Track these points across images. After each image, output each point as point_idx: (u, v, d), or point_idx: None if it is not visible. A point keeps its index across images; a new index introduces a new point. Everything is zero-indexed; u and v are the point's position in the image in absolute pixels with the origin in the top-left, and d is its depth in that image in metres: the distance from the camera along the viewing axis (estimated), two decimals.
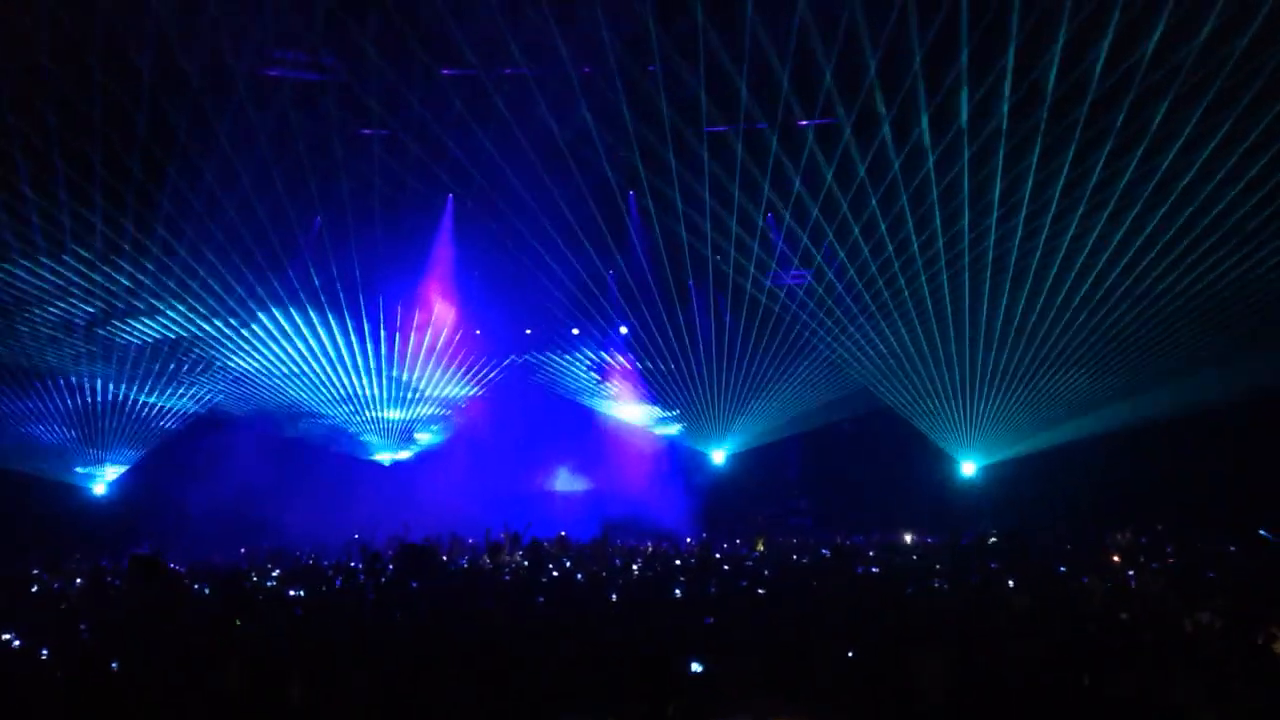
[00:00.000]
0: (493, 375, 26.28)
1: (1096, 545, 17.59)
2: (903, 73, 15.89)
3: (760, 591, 12.37)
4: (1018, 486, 23.55)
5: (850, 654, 8.13)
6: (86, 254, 18.66)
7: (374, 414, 26.04)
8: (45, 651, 9.05)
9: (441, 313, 23.55)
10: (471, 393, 26.63)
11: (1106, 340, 20.58)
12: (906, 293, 20.54)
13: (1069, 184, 16.95)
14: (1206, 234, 17.30)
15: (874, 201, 18.41)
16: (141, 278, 19.57)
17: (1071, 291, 19.43)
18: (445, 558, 17.97)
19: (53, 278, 19.22)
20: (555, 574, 14.61)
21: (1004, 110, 15.80)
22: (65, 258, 18.69)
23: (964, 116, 16.14)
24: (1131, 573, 13.39)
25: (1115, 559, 15.63)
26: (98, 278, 19.45)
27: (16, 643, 9.31)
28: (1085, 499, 22.02)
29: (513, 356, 26.03)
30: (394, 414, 26.34)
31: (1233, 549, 16.86)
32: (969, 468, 24.76)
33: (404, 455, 28.53)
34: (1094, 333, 20.42)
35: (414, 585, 13.40)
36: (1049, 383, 22.16)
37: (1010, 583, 12.60)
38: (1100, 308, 19.69)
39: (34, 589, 14.70)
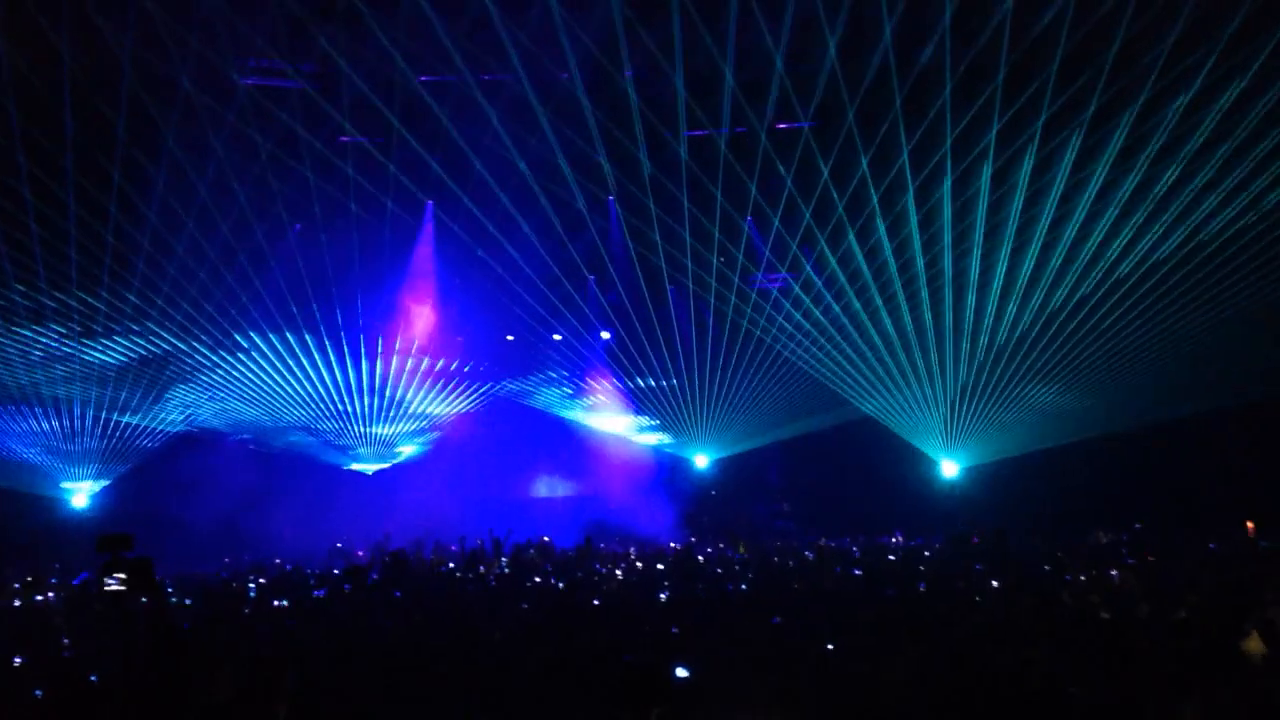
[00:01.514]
0: (476, 394, 26.29)
1: (1078, 545, 17.73)
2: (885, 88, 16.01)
3: (743, 592, 12.42)
4: (999, 489, 23.66)
5: (831, 656, 8.17)
6: (66, 275, 18.52)
7: (356, 427, 25.97)
8: (23, 665, 9.01)
9: (422, 321, 23.49)
10: (454, 409, 26.60)
11: (1089, 348, 20.73)
12: (880, 303, 20.68)
13: (1062, 197, 17.13)
14: (1204, 246, 17.53)
15: (840, 207, 18.52)
16: (127, 295, 19.49)
17: (1047, 298, 19.62)
18: (428, 565, 17.97)
19: (24, 301, 19.11)
20: (537, 580, 14.62)
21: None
22: (39, 283, 18.56)
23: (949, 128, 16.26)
24: (1114, 572, 13.50)
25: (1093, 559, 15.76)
26: (73, 302, 19.39)
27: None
28: (1067, 500, 22.17)
29: (495, 383, 26.09)
30: (377, 428, 26.27)
31: (1212, 547, 17.04)
32: (950, 469, 24.86)
33: (386, 465, 28.46)
34: (1075, 341, 20.59)
35: (397, 593, 13.37)
36: (1030, 390, 22.32)
37: (994, 583, 12.69)
38: (1084, 315, 19.86)
39: (15, 603, 14.62)
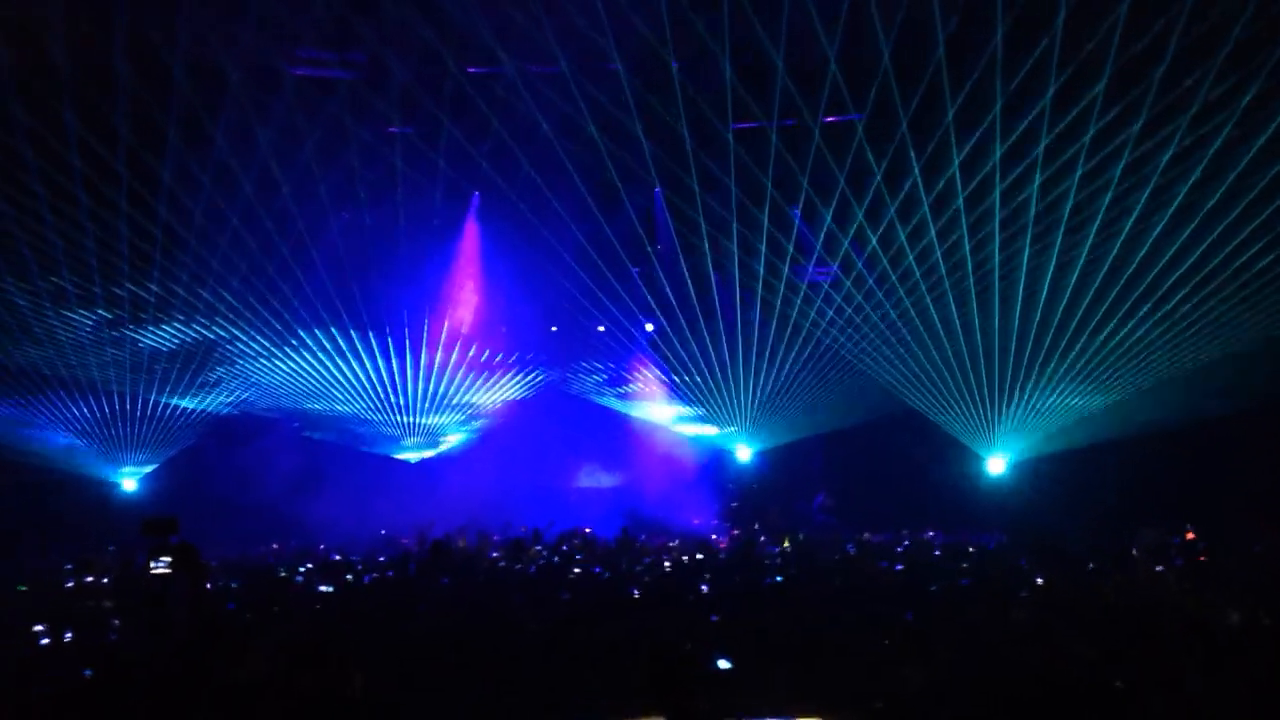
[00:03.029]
0: (522, 382, 26.42)
1: (1126, 543, 17.46)
2: (928, 73, 15.86)
3: (782, 586, 12.38)
4: (1047, 484, 23.35)
5: (872, 650, 8.13)
6: (114, 263, 18.84)
7: (401, 416, 26.21)
8: (74, 645, 9.17)
9: (467, 310, 23.63)
10: (498, 396, 26.74)
11: (1147, 337, 20.41)
12: (928, 298, 20.52)
13: (1119, 195, 16.91)
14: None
15: (891, 205, 18.41)
16: (174, 286, 19.82)
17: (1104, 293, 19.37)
18: (472, 553, 18.07)
19: (75, 289, 19.46)
20: (579, 570, 14.65)
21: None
22: (92, 264, 18.88)
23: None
24: (1160, 569, 13.31)
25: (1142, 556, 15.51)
26: (120, 292, 19.73)
27: (45, 639, 9.42)
28: (1117, 497, 21.82)
29: (541, 372, 26.21)
30: (422, 418, 26.50)
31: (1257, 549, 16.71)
32: (997, 465, 24.59)
33: (430, 454, 28.68)
34: (1132, 335, 20.31)
35: (443, 581, 13.48)
36: (1082, 382, 22.03)
37: (1039, 580, 12.56)
38: (1143, 310, 19.58)
39: (68, 584, 14.89)
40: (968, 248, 18.78)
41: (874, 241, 19.35)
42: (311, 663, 6.80)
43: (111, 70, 15.34)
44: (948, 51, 15.28)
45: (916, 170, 17.40)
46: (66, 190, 16.81)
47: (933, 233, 18.62)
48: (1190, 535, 17.62)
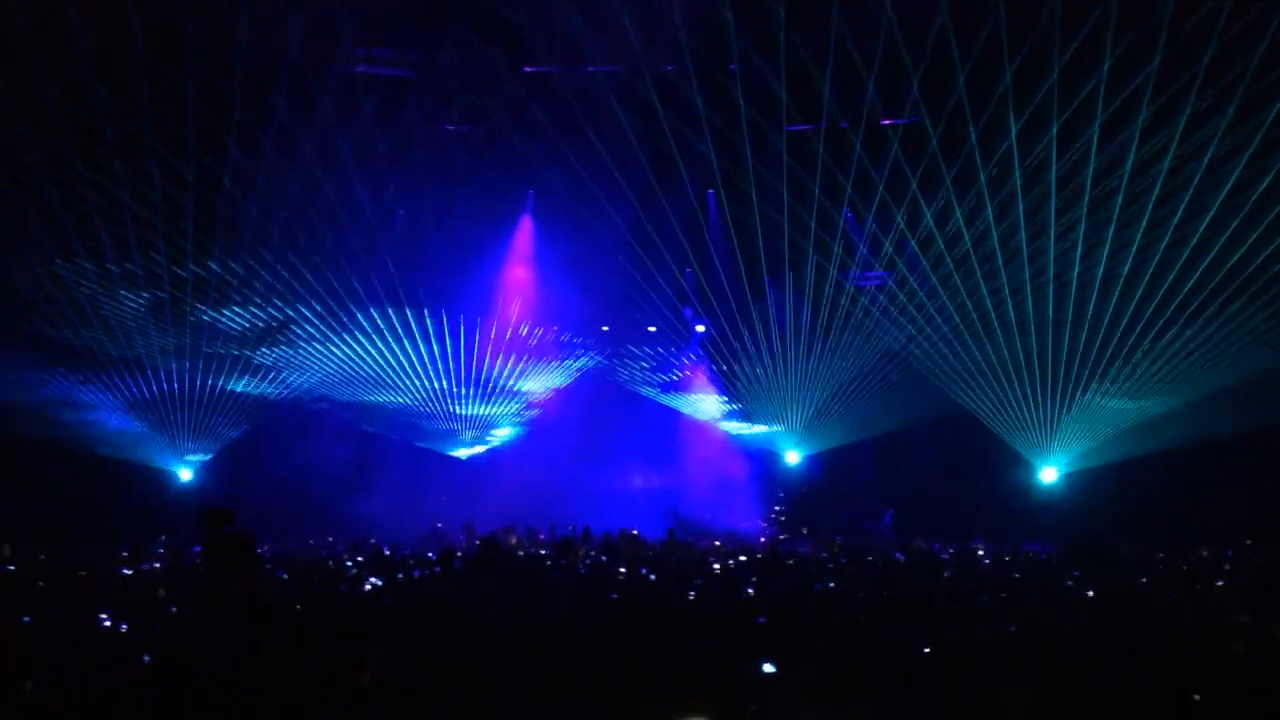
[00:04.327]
0: (571, 371, 26.52)
1: (1179, 557, 17.18)
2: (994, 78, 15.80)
3: (831, 593, 12.31)
4: (1100, 495, 23.00)
5: (920, 660, 8.06)
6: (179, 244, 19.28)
7: (452, 409, 26.42)
8: (132, 632, 9.31)
9: (519, 309, 23.82)
10: (549, 386, 26.85)
11: (1210, 340, 20.07)
12: (988, 297, 20.33)
13: (1164, 196, 16.71)
14: None
15: (957, 206, 18.28)
16: (234, 265, 20.20)
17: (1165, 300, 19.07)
18: (520, 550, 18.15)
19: (137, 269, 19.87)
20: (625, 571, 14.65)
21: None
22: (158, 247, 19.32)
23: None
24: (1221, 583, 13.08)
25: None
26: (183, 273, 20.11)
27: (108, 622, 9.57)
28: (1171, 510, 21.42)
29: (589, 355, 26.27)
30: (472, 409, 26.69)
31: None
32: (1050, 474, 24.27)
33: (479, 450, 28.84)
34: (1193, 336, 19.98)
35: (489, 578, 13.54)
36: (1137, 392, 21.69)
37: (1090, 593, 12.39)
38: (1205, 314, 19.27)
39: (125, 571, 15.12)
40: (1023, 240, 18.60)
41: (938, 239, 19.22)
42: (322, 649, 6.88)
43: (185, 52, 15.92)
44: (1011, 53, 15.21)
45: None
46: (142, 168, 17.37)
47: (994, 230, 18.49)
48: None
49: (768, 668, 7.66)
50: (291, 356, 24.03)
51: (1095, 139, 16.33)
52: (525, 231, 22.31)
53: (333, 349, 23.65)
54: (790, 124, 18.27)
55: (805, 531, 23.39)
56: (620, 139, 18.73)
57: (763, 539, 21.72)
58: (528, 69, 18.87)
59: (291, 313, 22.05)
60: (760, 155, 18.61)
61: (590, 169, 19.19)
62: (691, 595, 12.04)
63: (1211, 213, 17.04)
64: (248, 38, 16.13)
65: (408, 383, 25.14)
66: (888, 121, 17.89)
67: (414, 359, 24.31)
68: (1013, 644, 8.49)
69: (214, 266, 20.22)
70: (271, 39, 16.75)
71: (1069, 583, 13.46)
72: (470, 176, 19.71)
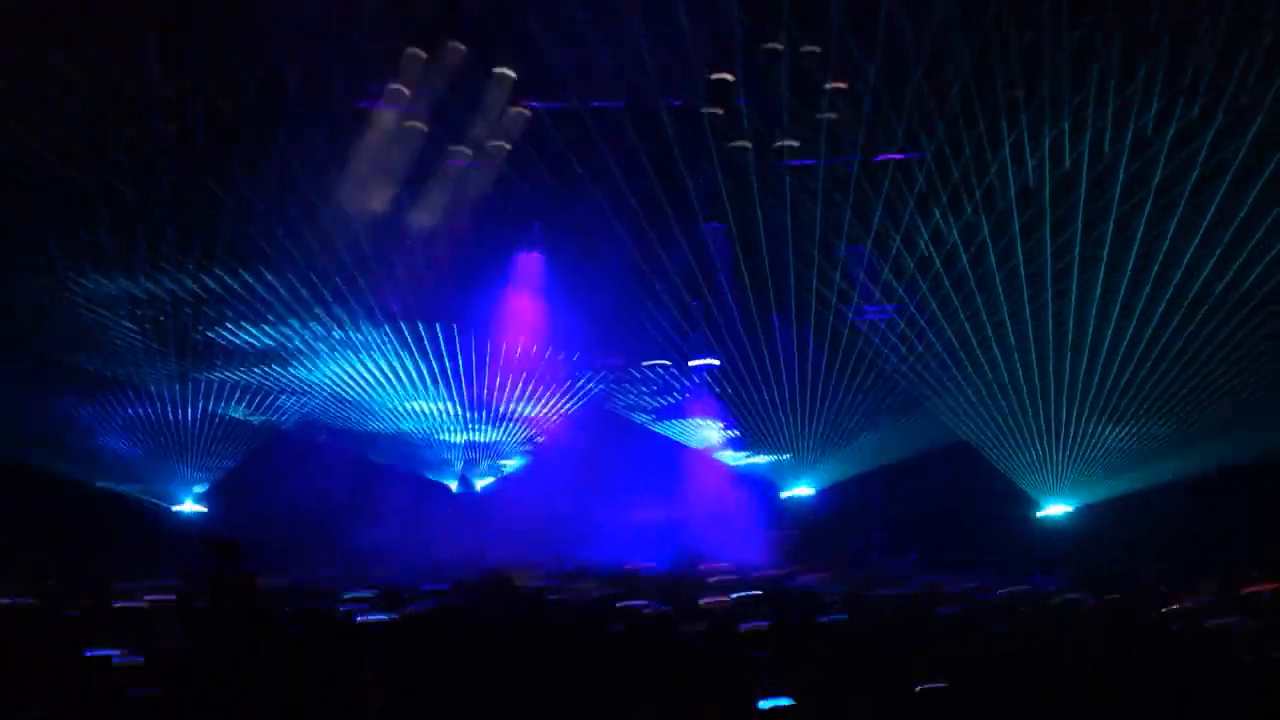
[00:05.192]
0: (575, 399, 26.50)
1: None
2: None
3: (837, 625, 12.23)
4: (1108, 529, 22.80)
5: (934, 690, 7.98)
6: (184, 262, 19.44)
7: (455, 439, 26.42)
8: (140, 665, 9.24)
9: (525, 340, 23.89)
10: (555, 412, 26.82)
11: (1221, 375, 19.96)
12: (988, 324, 20.32)
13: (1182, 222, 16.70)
14: None
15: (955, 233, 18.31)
16: (232, 283, 20.32)
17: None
18: (522, 583, 18.03)
19: (136, 289, 19.98)
20: (630, 603, 14.54)
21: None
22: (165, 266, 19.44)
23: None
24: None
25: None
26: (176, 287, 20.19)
27: (115, 658, 9.49)
28: (1179, 544, 21.20)
29: (594, 383, 26.25)
30: (476, 437, 26.69)
31: None
32: (1056, 509, 24.07)
33: (484, 481, 28.71)
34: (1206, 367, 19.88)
35: (492, 607, 13.46)
36: (1147, 423, 21.55)
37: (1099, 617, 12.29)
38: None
39: (124, 604, 15.01)
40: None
41: (938, 263, 19.24)
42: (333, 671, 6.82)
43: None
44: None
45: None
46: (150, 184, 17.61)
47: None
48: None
49: (780, 701, 7.63)
50: (293, 378, 24.03)
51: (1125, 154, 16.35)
52: (530, 262, 22.45)
53: (336, 370, 23.68)
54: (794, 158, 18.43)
55: (814, 564, 23.19)
56: (626, 172, 18.89)
57: (768, 572, 21.55)
58: (532, 103, 19.04)
59: (294, 329, 22.13)
60: (765, 187, 18.71)
61: (596, 202, 19.33)
62: (694, 627, 11.96)
63: (1230, 232, 16.97)
64: (259, 67, 16.40)
65: (411, 412, 25.14)
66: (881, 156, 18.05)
67: (416, 388, 24.35)
68: (1024, 667, 8.42)
69: (225, 279, 20.35)
70: (280, 71, 17.03)
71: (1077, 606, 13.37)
72: (477, 206, 19.88)
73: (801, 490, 27.16)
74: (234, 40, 16.36)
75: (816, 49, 16.34)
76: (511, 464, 28.45)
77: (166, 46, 16.33)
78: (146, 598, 15.56)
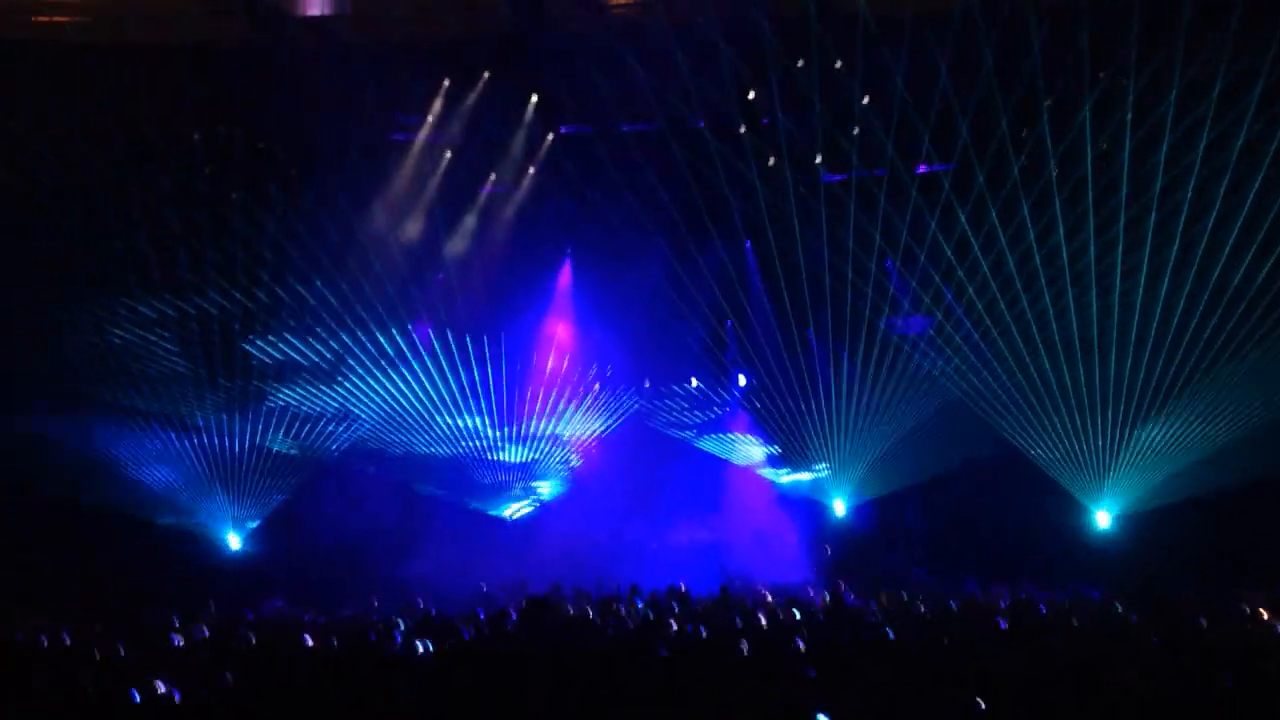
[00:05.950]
0: (614, 419, 26.53)
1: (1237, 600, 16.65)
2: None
3: (884, 642, 12.13)
4: (1158, 538, 22.39)
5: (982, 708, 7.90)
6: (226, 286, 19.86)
7: (495, 463, 26.55)
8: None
9: (561, 362, 23.99)
10: (592, 433, 26.86)
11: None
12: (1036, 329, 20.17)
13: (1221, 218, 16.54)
14: None
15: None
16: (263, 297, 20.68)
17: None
18: (568, 610, 18.00)
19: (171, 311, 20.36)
20: (676, 626, 14.48)
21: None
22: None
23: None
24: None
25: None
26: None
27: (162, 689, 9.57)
28: (1231, 552, 20.80)
29: (632, 401, 26.29)
30: (515, 459, 26.82)
31: None
32: (1104, 518, 23.71)
33: (525, 508, 28.68)
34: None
35: (538, 635, 13.46)
36: (1197, 432, 21.22)
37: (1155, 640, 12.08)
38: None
39: (175, 640, 15.09)
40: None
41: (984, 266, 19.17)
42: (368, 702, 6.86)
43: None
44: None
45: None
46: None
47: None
48: None
49: (821, 718, 7.61)
50: (339, 400, 24.22)
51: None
52: (565, 281, 22.64)
53: (375, 406, 23.88)
54: (829, 174, 18.47)
55: (859, 581, 22.99)
56: (659, 194, 19.04)
57: (811, 590, 21.38)
58: (563, 129, 19.18)
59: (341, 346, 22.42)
60: (799, 203, 18.75)
61: (628, 224, 19.45)
62: (741, 650, 11.89)
63: None
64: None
65: (452, 440, 25.31)
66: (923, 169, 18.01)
67: (458, 415, 24.54)
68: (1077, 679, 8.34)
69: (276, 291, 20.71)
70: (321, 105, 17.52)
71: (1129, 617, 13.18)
72: (511, 231, 20.16)
73: (838, 506, 26.96)
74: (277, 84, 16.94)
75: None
76: (550, 489, 28.46)
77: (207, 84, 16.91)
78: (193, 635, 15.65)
